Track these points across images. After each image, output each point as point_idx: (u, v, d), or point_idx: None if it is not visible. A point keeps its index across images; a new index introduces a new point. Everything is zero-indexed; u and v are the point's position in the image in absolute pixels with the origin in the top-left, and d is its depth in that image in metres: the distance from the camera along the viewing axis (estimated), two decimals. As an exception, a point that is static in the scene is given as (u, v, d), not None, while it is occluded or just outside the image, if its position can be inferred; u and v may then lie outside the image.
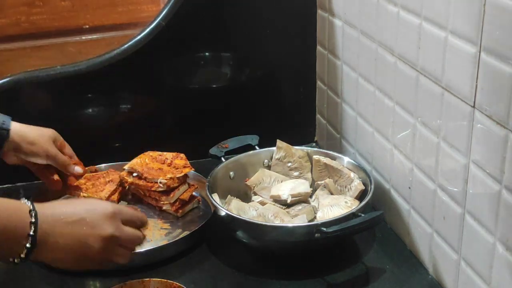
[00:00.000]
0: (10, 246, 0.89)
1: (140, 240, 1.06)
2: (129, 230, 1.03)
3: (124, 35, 2.10)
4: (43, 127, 1.33)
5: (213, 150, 1.43)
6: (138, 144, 1.46)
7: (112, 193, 1.38)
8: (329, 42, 1.52)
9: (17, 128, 1.28)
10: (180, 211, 1.38)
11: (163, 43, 1.52)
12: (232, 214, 1.22)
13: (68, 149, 1.37)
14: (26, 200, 0.93)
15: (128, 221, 1.03)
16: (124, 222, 1.02)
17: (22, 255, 0.89)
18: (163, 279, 1.11)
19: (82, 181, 1.40)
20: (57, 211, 0.95)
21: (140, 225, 1.07)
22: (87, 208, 0.98)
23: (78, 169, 1.38)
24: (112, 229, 0.98)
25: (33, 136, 1.29)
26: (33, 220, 0.90)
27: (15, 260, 0.90)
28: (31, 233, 0.89)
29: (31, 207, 0.91)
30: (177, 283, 1.09)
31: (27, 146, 1.28)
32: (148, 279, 1.11)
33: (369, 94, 1.33)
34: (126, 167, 1.40)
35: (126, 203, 1.43)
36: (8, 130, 1.26)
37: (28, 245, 0.89)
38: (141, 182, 1.37)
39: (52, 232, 0.92)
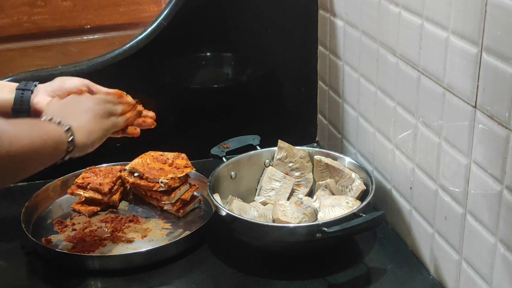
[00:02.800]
0: (55, 148, 1.06)
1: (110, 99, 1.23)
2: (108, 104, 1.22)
3: (126, 35, 2.10)
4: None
5: (214, 150, 1.42)
6: (139, 144, 1.45)
7: (115, 181, 1.40)
8: (330, 42, 1.52)
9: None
10: (181, 211, 1.38)
11: (165, 43, 1.52)
12: (233, 214, 1.22)
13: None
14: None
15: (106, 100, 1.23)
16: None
17: (70, 149, 1.09)
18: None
19: (86, 174, 1.40)
20: (57, 106, 1.17)
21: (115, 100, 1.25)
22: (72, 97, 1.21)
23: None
24: (94, 97, 1.22)
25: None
26: (66, 128, 1.08)
27: (63, 157, 1.09)
28: (69, 139, 1.08)
29: (66, 129, 1.08)
30: None
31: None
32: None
33: (370, 94, 1.33)
34: (127, 167, 1.40)
35: (128, 203, 1.43)
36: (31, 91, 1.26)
37: (69, 138, 1.08)
38: (142, 182, 1.37)
39: (72, 119, 1.10)
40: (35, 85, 1.25)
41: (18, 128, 0.98)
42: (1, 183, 0.99)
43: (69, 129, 1.07)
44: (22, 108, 1.23)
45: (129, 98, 1.29)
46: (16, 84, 1.26)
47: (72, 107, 1.16)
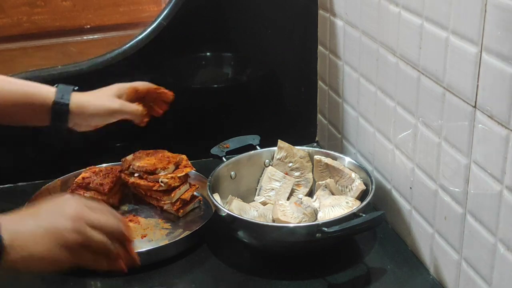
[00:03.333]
0: None
1: (107, 246, 0.93)
2: (93, 233, 0.91)
3: (126, 35, 2.10)
4: (104, 88, 1.29)
5: (214, 150, 1.43)
6: (138, 144, 1.46)
7: (115, 181, 1.40)
8: (330, 42, 1.52)
9: (76, 100, 1.22)
10: (181, 211, 1.38)
11: (165, 43, 1.52)
12: (233, 214, 1.22)
13: (140, 90, 1.30)
14: None
15: (95, 226, 0.92)
16: (91, 226, 0.92)
17: None
18: None
19: (86, 174, 1.41)
20: (19, 215, 0.92)
21: (110, 231, 0.94)
22: (48, 205, 0.93)
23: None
24: (76, 208, 0.91)
25: (93, 106, 1.24)
26: None
27: None
28: None
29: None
30: None
31: (88, 119, 1.25)
32: None
33: (370, 94, 1.33)
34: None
35: (127, 203, 1.43)
36: (67, 105, 1.21)
37: None
38: (142, 182, 1.37)
39: (18, 232, 0.86)
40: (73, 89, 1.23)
41: None
42: None
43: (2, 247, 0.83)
44: (64, 105, 1.20)
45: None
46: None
47: (41, 215, 0.90)
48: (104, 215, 0.94)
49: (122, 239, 0.95)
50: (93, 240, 0.91)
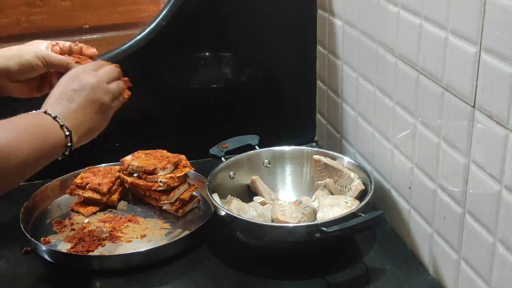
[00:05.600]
0: (53, 152, 1.04)
1: (112, 73, 1.18)
2: (101, 70, 1.16)
3: (125, 35, 2.10)
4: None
5: (213, 150, 1.43)
6: (138, 144, 1.46)
7: (114, 181, 1.41)
8: (329, 42, 1.52)
9: None
10: (180, 211, 1.38)
11: (163, 43, 1.52)
12: (232, 214, 1.22)
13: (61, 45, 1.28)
14: (37, 111, 1.05)
15: (109, 81, 1.16)
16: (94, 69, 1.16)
17: (66, 151, 1.06)
18: None
19: (85, 174, 1.40)
20: (59, 103, 1.08)
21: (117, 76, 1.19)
22: (71, 85, 1.11)
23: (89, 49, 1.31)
24: (93, 77, 1.12)
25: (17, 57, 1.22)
26: (67, 133, 1.04)
27: (59, 158, 1.06)
28: (67, 133, 1.04)
29: (52, 115, 1.04)
30: None
31: (11, 73, 1.21)
32: None
33: (369, 94, 1.33)
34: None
35: (126, 203, 1.43)
36: None
37: (68, 144, 1.05)
38: (141, 182, 1.37)
39: (72, 119, 1.06)
40: None
41: (18, 140, 0.97)
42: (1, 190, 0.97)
43: (69, 134, 1.05)
44: None
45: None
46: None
47: (78, 98, 1.09)
48: (106, 69, 1.17)
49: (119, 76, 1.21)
50: (115, 91, 1.15)
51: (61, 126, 1.04)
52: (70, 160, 1.37)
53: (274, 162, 1.43)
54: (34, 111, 1.05)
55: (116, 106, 1.17)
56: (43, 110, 1.05)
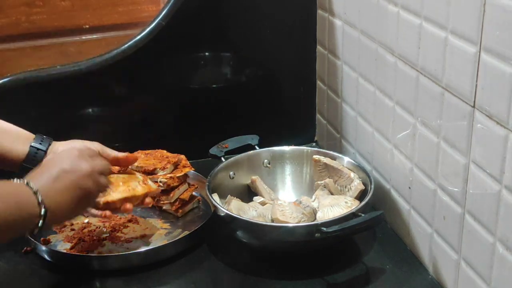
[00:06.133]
0: (23, 226, 0.98)
1: (106, 167, 1.14)
2: (97, 160, 1.12)
3: (124, 35, 2.09)
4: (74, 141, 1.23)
5: (213, 150, 1.43)
6: (137, 144, 1.46)
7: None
8: (329, 42, 1.52)
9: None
10: (180, 211, 1.38)
11: (163, 43, 1.52)
12: (232, 214, 1.22)
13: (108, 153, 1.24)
14: (20, 180, 1.00)
15: (91, 155, 1.12)
16: (91, 156, 1.11)
17: (36, 230, 0.98)
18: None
19: None
20: (45, 179, 1.02)
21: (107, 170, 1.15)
22: (63, 163, 1.06)
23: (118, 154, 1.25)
24: (88, 164, 1.07)
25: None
26: (40, 199, 0.97)
27: (27, 234, 1.05)
28: (42, 213, 0.97)
29: (33, 189, 0.98)
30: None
31: None
32: None
33: (369, 94, 1.33)
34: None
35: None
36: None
37: (40, 222, 0.98)
38: (141, 182, 1.37)
39: (52, 199, 1.00)
40: (50, 144, 1.21)
41: None
42: None
43: (44, 213, 0.98)
44: (32, 167, 1.14)
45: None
46: (30, 135, 1.21)
47: (65, 180, 1.03)
48: (102, 162, 1.13)
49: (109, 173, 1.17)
50: (101, 185, 1.10)
51: (39, 203, 0.98)
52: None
53: (274, 162, 1.43)
54: (17, 181, 0.99)
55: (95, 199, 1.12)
56: (26, 181, 0.99)
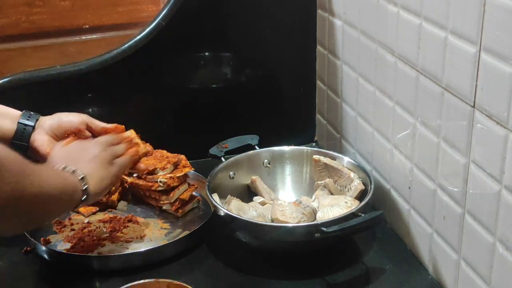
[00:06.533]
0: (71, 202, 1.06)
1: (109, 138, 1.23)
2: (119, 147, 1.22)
3: (124, 35, 2.10)
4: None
5: (213, 150, 1.43)
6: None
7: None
8: (329, 42, 1.52)
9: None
10: (180, 211, 1.38)
11: (163, 43, 1.52)
12: (232, 214, 1.22)
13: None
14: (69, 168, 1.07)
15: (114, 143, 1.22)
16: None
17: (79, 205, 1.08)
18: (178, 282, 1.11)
19: None
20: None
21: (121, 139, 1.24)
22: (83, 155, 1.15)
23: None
24: (96, 143, 1.18)
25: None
26: (83, 188, 1.07)
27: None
28: (83, 198, 1.07)
29: (81, 178, 1.07)
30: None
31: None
32: (163, 280, 1.11)
33: (369, 94, 1.33)
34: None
35: (126, 203, 1.43)
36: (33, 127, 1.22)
37: (83, 198, 1.07)
38: (141, 182, 1.37)
39: (89, 176, 1.09)
40: (37, 119, 1.23)
41: (46, 171, 1.00)
42: (15, 227, 0.95)
43: (83, 178, 1.06)
44: (22, 144, 1.20)
45: (128, 133, 1.29)
46: (18, 113, 1.23)
47: (79, 155, 1.14)
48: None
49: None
50: (120, 151, 1.21)
51: (73, 172, 1.07)
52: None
53: (274, 162, 1.43)
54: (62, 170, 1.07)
55: (124, 163, 1.20)
56: (71, 170, 1.07)
